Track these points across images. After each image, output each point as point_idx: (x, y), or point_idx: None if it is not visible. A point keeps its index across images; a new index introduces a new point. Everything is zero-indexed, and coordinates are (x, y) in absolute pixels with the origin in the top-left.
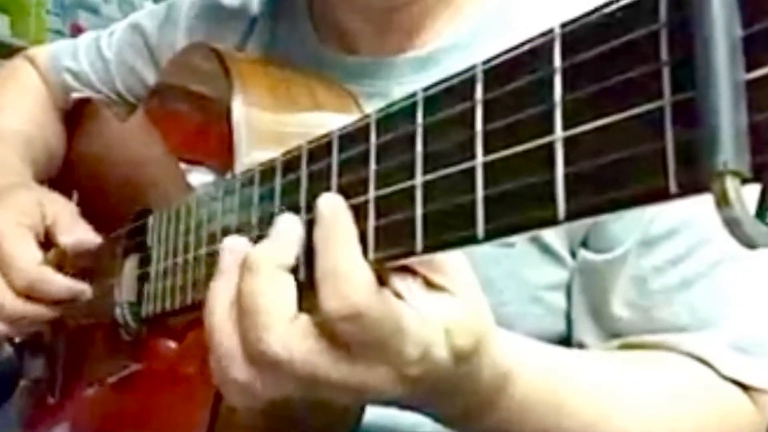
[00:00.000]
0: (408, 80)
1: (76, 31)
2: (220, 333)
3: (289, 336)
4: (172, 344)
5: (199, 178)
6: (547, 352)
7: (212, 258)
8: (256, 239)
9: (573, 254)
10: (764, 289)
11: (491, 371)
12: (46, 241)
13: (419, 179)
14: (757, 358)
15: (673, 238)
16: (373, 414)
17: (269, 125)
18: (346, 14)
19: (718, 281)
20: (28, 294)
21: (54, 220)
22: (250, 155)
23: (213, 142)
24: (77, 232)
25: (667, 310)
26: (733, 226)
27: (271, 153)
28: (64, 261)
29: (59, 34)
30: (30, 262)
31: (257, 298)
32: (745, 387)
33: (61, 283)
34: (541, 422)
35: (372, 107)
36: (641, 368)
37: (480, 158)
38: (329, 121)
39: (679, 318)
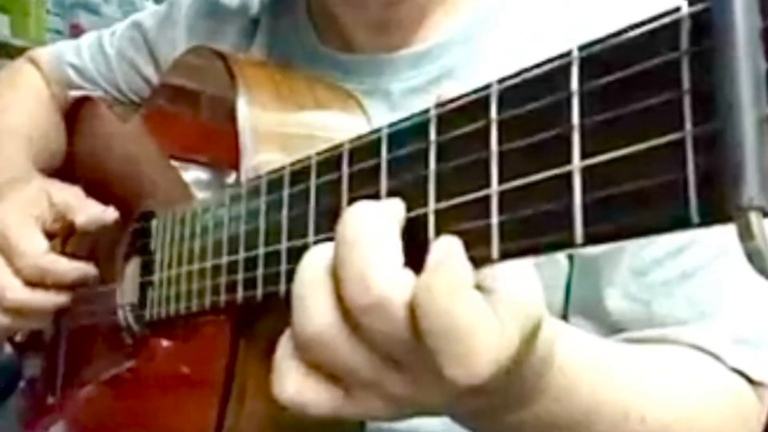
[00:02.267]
0: (406, 76)
1: (76, 31)
2: (310, 288)
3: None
4: (177, 347)
5: (203, 179)
6: (575, 330)
7: (218, 268)
8: (265, 255)
9: (570, 255)
10: (762, 282)
11: (541, 350)
12: (51, 233)
13: (432, 206)
14: (759, 350)
15: None
16: None
17: (273, 127)
18: (343, 11)
19: (718, 274)
20: (38, 282)
21: (63, 203)
22: (254, 157)
23: (217, 143)
24: (91, 210)
25: (667, 302)
26: (756, 259)
27: (276, 154)
28: (67, 250)
29: (59, 34)
30: (38, 250)
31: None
32: (748, 379)
33: (71, 267)
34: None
35: (372, 104)
36: (658, 356)
37: (495, 182)
38: (332, 122)
39: (680, 310)
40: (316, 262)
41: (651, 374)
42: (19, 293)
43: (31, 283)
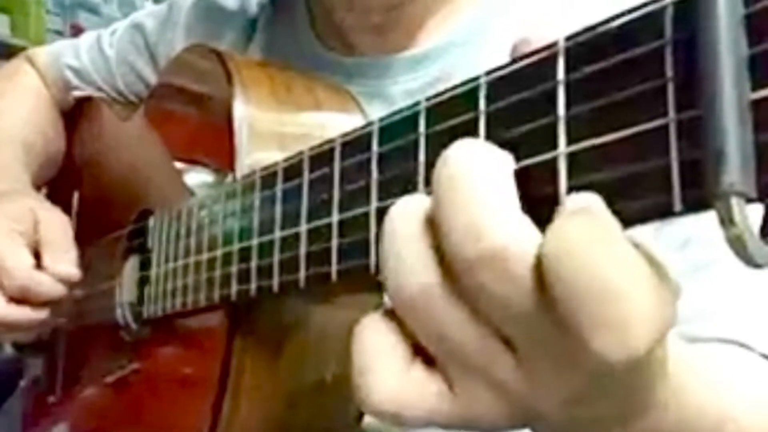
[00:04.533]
0: (404, 79)
1: (76, 31)
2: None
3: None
4: (174, 345)
5: (199, 178)
6: None
7: (213, 262)
8: (259, 246)
9: None
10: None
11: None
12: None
13: (421, 191)
14: None
15: (676, 223)
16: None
17: (270, 126)
18: (344, 14)
19: (727, 265)
20: (21, 298)
21: (44, 237)
22: (251, 156)
23: (214, 142)
24: (63, 260)
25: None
26: (737, 245)
27: (273, 153)
28: None
29: (59, 34)
30: (22, 265)
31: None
32: None
33: (53, 286)
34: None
35: (370, 107)
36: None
37: None
38: (330, 121)
39: (697, 303)
40: (410, 213)
41: (724, 374)
42: (2, 310)
43: (15, 300)
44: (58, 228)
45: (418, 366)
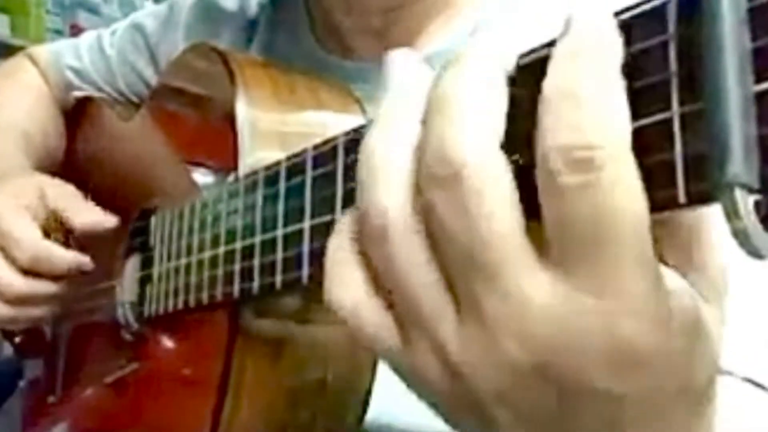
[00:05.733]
0: None
1: (76, 31)
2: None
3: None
4: (175, 344)
5: (201, 178)
6: None
7: (215, 260)
8: (262, 243)
9: None
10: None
11: None
12: (48, 229)
13: None
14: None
15: None
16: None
17: (273, 125)
18: (344, 17)
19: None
20: (32, 270)
21: (61, 204)
22: (253, 155)
23: (216, 142)
24: (91, 214)
25: None
26: (741, 237)
27: (275, 153)
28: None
29: (59, 34)
30: (31, 237)
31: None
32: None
33: (65, 255)
34: None
35: (372, 110)
36: None
37: None
38: (332, 121)
39: None
40: (393, 136)
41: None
42: (14, 283)
43: (27, 273)
44: (69, 194)
45: (377, 296)
